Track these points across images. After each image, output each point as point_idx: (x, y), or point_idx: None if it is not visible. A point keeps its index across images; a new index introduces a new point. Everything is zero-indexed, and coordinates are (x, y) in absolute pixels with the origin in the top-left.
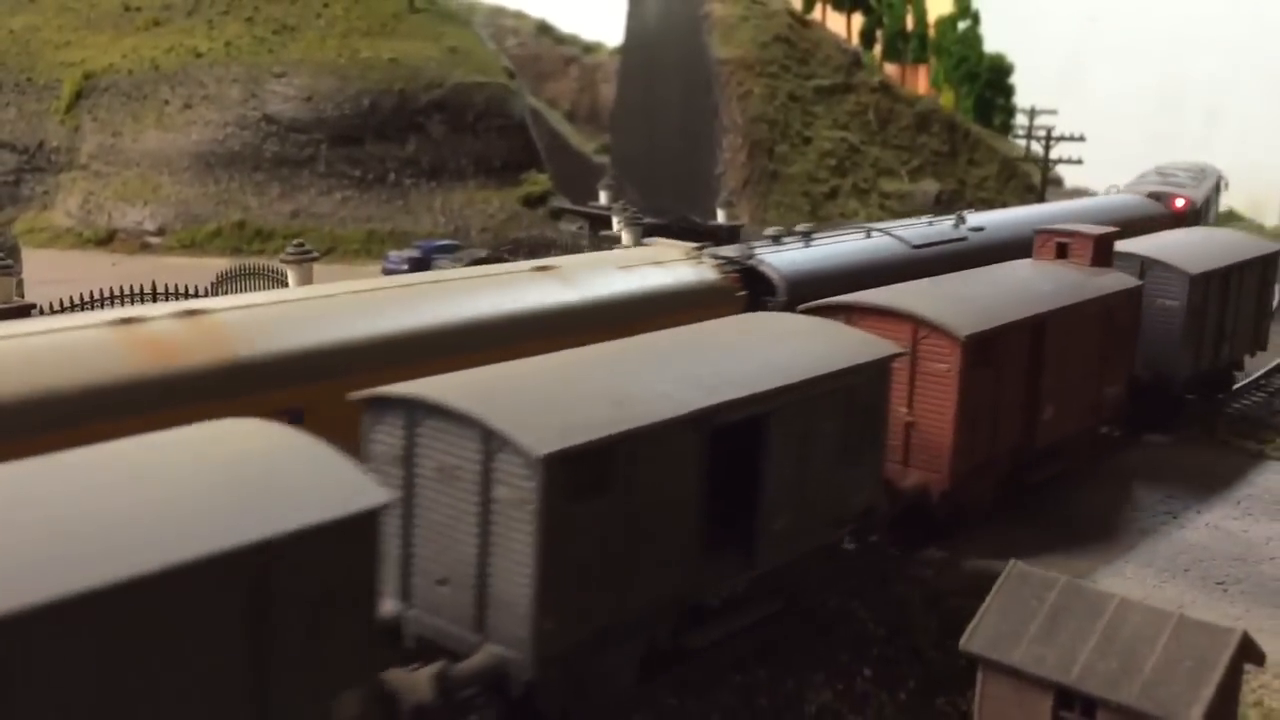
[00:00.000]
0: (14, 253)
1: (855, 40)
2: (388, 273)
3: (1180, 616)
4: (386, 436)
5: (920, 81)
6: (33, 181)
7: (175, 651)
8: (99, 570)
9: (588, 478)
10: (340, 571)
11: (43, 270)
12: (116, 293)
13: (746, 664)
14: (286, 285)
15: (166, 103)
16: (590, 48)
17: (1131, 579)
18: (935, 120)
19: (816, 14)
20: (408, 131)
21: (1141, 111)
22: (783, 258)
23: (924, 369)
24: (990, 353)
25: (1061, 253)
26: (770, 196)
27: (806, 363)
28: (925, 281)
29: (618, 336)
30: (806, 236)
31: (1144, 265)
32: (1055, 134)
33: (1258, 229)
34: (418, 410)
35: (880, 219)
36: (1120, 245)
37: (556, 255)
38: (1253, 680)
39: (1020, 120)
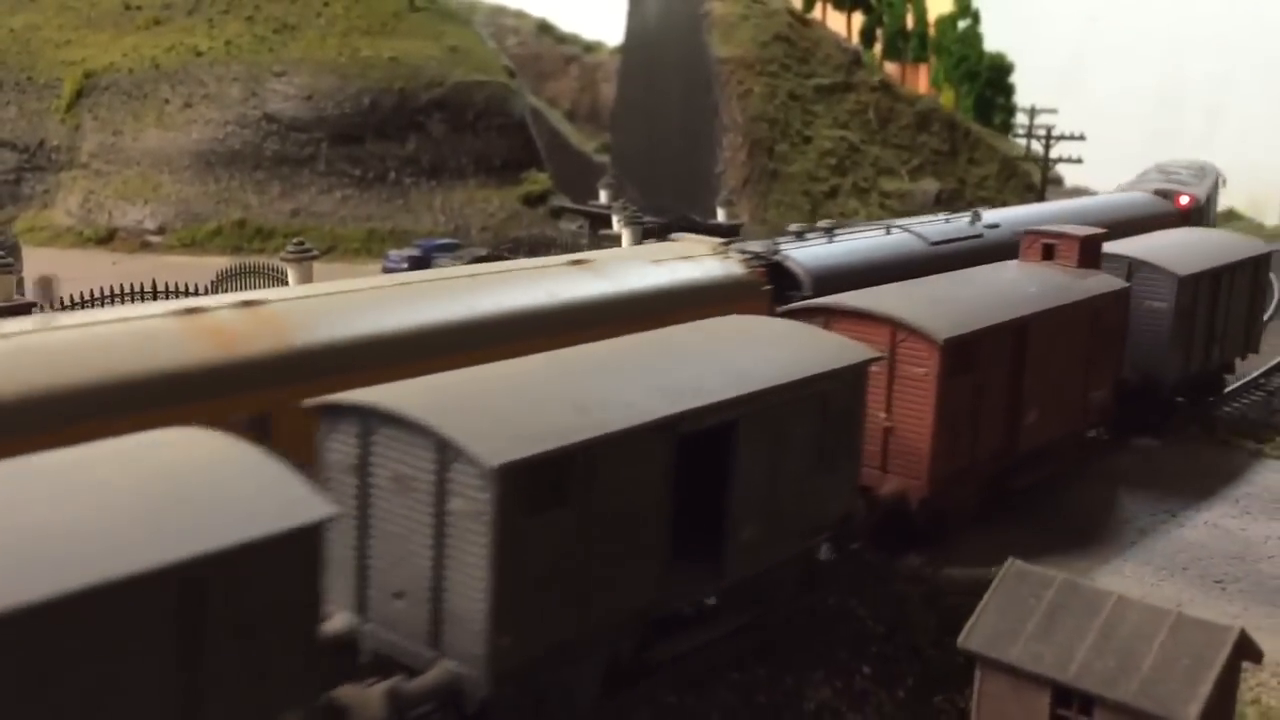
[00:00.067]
0: (14, 251)
1: (855, 39)
2: (388, 271)
3: (1178, 614)
4: (341, 445)
5: (920, 80)
6: (33, 180)
7: (103, 673)
8: (17, 589)
9: (545, 488)
10: (279, 588)
11: (43, 269)
12: (117, 291)
13: (745, 662)
14: (286, 284)
15: (167, 101)
16: (590, 47)
17: (1130, 577)
18: (935, 119)
19: (816, 13)
20: (408, 130)
21: (1141, 111)
22: (807, 253)
23: (902, 373)
24: (971, 356)
25: (1048, 254)
26: (770, 195)
27: (778, 368)
28: (907, 283)
29: (651, 328)
30: (829, 232)
31: (1132, 267)
32: (1055, 133)
33: (1258, 228)
34: (372, 419)
35: (880, 218)
36: (1108, 246)
37: (557, 254)
38: (1250, 678)
39: (1020, 119)
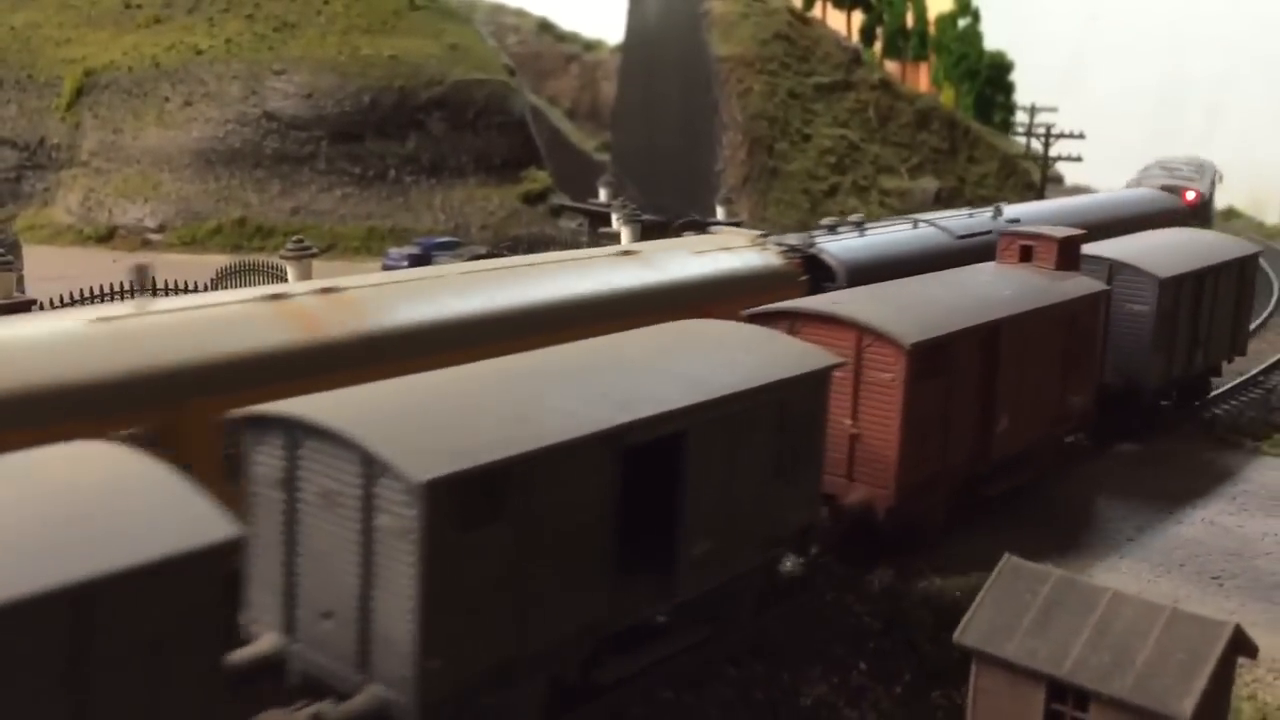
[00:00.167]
0: (15, 249)
1: (855, 37)
2: (388, 269)
3: (1173, 610)
4: (267, 458)
5: (920, 79)
6: (33, 178)
7: None
8: None
9: (478, 504)
10: (178, 614)
11: (43, 267)
12: (118, 289)
13: (742, 658)
14: (286, 281)
15: (167, 100)
16: (591, 45)
17: (1126, 573)
18: (935, 117)
19: (816, 11)
20: (408, 129)
21: (1141, 109)
22: (840, 245)
23: (868, 379)
24: (939, 361)
25: (1026, 256)
26: (770, 194)
27: (732, 376)
28: (876, 286)
29: (697, 316)
30: (859, 226)
31: (1112, 268)
32: (1055, 131)
33: (1258, 226)
34: (298, 431)
35: (880, 216)
36: (1089, 248)
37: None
38: (1246, 674)
39: (1020, 117)
